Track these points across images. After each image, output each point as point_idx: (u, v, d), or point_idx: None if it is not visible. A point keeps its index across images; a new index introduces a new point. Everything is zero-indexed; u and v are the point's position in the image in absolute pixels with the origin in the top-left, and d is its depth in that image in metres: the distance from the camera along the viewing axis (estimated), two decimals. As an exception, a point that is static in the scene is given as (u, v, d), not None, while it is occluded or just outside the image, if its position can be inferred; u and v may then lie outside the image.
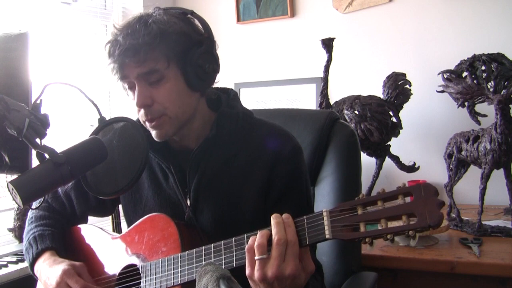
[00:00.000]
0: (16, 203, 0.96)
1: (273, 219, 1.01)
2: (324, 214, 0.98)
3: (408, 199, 0.93)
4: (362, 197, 0.97)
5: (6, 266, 1.77)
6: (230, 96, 1.33)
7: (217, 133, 1.25)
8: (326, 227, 0.97)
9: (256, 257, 0.99)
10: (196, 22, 1.25)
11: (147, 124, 1.22)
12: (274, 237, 0.98)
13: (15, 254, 1.90)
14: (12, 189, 0.93)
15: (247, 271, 1.01)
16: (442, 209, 0.92)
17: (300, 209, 1.22)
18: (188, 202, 1.27)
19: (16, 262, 1.80)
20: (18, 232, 2.00)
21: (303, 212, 1.04)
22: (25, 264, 1.75)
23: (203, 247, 1.11)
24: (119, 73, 1.18)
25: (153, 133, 1.22)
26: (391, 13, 2.56)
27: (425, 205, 0.90)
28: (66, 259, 1.28)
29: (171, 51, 1.17)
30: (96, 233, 1.39)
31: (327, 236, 0.97)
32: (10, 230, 2.04)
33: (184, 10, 1.25)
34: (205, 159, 1.26)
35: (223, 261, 1.07)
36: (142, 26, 1.16)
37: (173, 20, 1.20)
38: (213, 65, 1.24)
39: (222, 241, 1.09)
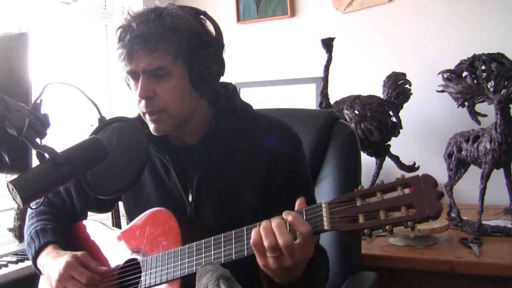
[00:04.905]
0: (16, 202, 0.96)
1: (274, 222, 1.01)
2: (323, 205, 0.99)
3: (407, 191, 0.93)
4: (361, 189, 0.97)
5: (6, 266, 1.76)
6: (229, 90, 1.33)
7: (216, 128, 1.26)
8: (325, 219, 0.97)
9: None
10: (208, 23, 1.26)
11: (147, 117, 1.22)
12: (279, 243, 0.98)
13: (15, 254, 1.89)
14: (12, 189, 0.93)
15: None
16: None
17: None
18: (190, 197, 1.28)
19: (16, 262, 1.79)
20: (18, 232, 2.00)
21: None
22: (25, 264, 1.76)
23: (203, 240, 1.12)
24: (126, 60, 1.18)
25: (151, 126, 1.23)
26: (391, 13, 2.56)
27: (424, 196, 0.90)
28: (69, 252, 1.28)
29: (180, 46, 1.18)
30: (98, 228, 1.40)
31: (325, 227, 0.97)
32: (10, 230, 2.04)
33: (197, 10, 1.26)
34: (206, 155, 1.27)
35: (222, 254, 1.08)
36: (157, 16, 1.17)
37: (187, 16, 1.21)
38: (219, 68, 1.24)
39: (222, 234, 1.09)
